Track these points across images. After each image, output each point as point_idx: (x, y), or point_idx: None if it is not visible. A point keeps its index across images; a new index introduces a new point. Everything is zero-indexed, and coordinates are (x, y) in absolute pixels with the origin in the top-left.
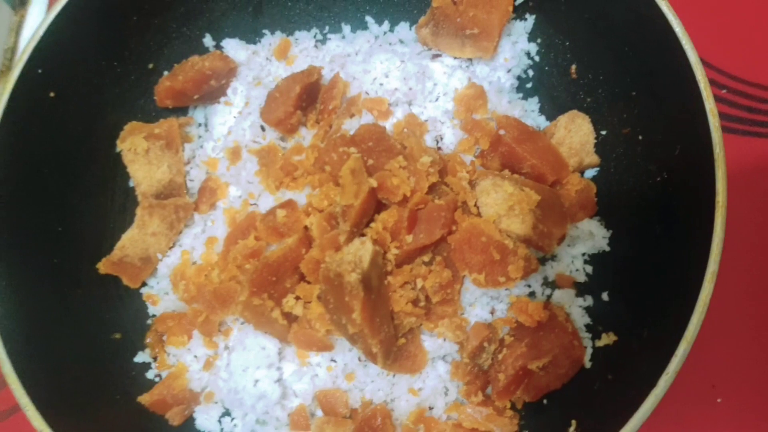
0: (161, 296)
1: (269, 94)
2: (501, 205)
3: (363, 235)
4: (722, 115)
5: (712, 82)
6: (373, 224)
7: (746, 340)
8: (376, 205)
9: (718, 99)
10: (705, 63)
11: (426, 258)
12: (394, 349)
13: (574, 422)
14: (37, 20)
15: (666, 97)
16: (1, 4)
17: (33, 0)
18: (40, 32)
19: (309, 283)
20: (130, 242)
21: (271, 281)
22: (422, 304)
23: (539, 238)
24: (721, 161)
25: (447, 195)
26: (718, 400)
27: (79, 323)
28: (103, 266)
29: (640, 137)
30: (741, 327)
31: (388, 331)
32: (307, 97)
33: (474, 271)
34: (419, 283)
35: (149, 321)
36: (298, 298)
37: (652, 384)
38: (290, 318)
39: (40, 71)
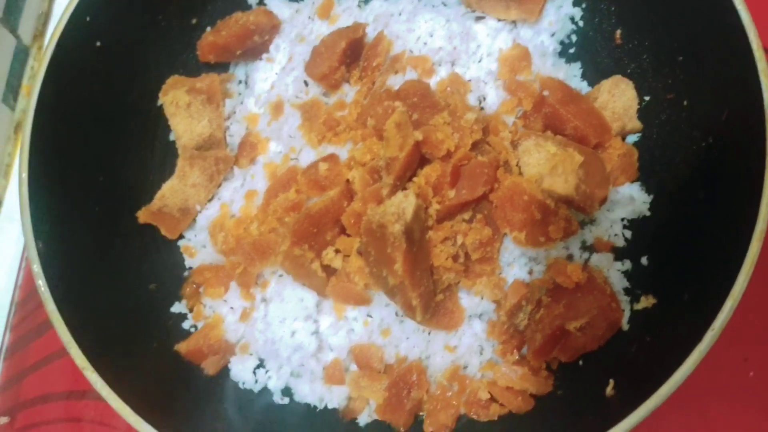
0: (198, 249)
1: (314, 49)
2: (543, 165)
3: (405, 188)
4: None
5: None
6: (415, 179)
7: None
8: (419, 159)
9: None
10: None
11: (466, 216)
12: (432, 304)
13: (612, 381)
14: None
15: (715, 61)
16: None
17: None
18: None
19: (349, 236)
20: (170, 192)
21: (312, 233)
22: (461, 260)
23: (581, 198)
24: None
25: (489, 153)
26: (751, 374)
27: (117, 271)
28: (142, 215)
29: (685, 102)
30: None
31: (427, 285)
32: (352, 54)
33: (515, 229)
34: (459, 239)
35: (186, 273)
36: (337, 251)
37: (696, 339)
38: (329, 271)
39: (88, 19)
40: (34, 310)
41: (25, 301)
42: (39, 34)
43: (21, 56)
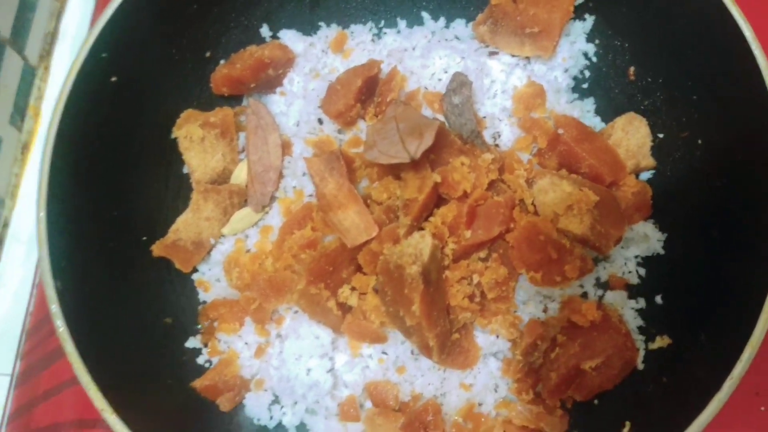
0: (212, 283)
1: (330, 87)
2: (559, 205)
3: (422, 228)
4: None
5: None
6: (431, 218)
7: None
8: (436, 199)
9: None
10: None
11: (482, 254)
12: (448, 343)
13: (628, 423)
14: (77, 6)
15: (730, 103)
16: None
17: None
18: (106, 17)
19: (365, 274)
20: (183, 226)
21: (328, 271)
22: (477, 300)
23: (597, 238)
24: None
25: (505, 192)
26: (762, 409)
27: (133, 306)
28: (156, 248)
29: (700, 141)
30: None
31: (444, 325)
32: (367, 90)
33: (531, 269)
34: (475, 278)
35: (200, 307)
36: (353, 288)
37: (716, 388)
38: (344, 308)
39: (104, 55)
40: (45, 339)
41: (36, 328)
42: (45, 53)
43: (28, 77)
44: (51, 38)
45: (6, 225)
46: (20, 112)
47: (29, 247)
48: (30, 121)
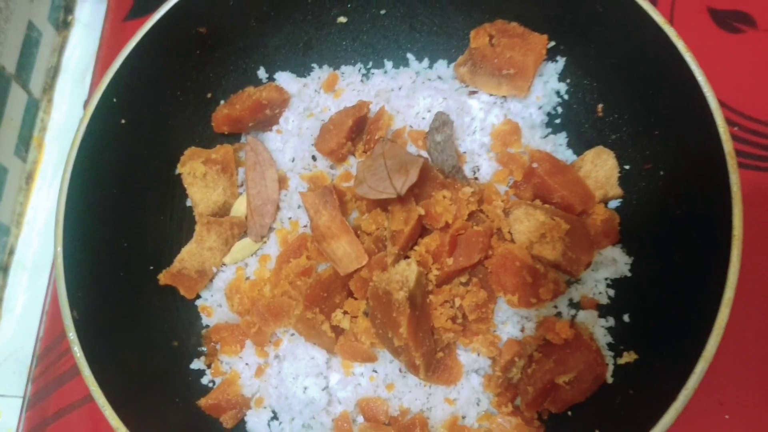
0: (215, 308)
1: (323, 127)
2: (533, 233)
3: (408, 257)
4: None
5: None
6: (416, 247)
7: (755, 358)
8: (420, 230)
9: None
10: (721, 103)
11: (463, 279)
12: (433, 362)
13: (597, 431)
14: (78, 41)
15: (687, 138)
16: (46, 25)
17: (76, 22)
18: (117, 64)
19: (356, 299)
20: (188, 255)
21: (322, 297)
22: (459, 321)
23: (568, 263)
24: (738, 199)
25: (484, 222)
26: (726, 417)
27: (142, 331)
28: (163, 277)
29: (662, 173)
30: (750, 345)
31: (429, 345)
32: (357, 129)
33: (508, 292)
34: (457, 302)
35: (203, 331)
36: (345, 312)
37: (672, 398)
38: (337, 331)
39: (114, 100)
40: (55, 362)
41: (46, 353)
42: (48, 87)
43: (32, 110)
44: (53, 72)
45: (12, 252)
46: (25, 143)
47: (34, 273)
48: (34, 151)
